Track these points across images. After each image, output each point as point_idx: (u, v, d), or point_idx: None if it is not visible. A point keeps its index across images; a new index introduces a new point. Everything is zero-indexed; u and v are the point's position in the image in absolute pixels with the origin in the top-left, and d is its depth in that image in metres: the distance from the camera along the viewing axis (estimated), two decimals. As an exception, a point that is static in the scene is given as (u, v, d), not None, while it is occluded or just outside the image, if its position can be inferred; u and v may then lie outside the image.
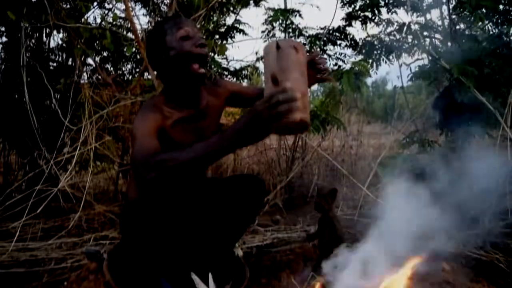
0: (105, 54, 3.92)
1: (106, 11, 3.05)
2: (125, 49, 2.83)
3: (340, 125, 3.40)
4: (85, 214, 3.28)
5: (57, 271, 2.20)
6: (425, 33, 3.30)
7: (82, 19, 3.02)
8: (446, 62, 3.11)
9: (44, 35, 3.72)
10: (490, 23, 3.88)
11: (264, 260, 2.04)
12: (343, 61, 4.29)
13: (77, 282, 1.65)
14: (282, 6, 4.10)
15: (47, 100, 3.13)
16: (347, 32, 4.25)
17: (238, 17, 4.11)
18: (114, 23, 3.45)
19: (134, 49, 3.17)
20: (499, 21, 3.80)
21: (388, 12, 3.78)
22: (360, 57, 4.00)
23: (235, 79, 4.34)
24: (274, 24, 4.22)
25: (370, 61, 4.12)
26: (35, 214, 2.85)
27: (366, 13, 3.93)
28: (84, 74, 3.78)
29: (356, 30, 4.29)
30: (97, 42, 3.45)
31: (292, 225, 2.94)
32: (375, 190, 3.86)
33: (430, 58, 3.53)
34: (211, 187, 1.70)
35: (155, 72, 1.74)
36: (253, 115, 1.09)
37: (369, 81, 4.34)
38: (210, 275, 1.49)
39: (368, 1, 3.45)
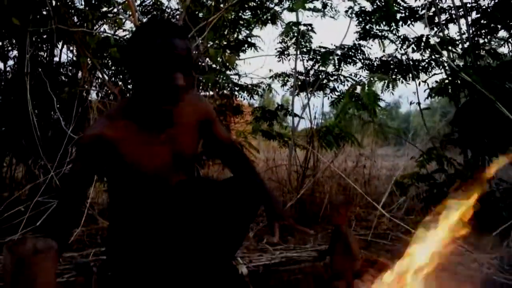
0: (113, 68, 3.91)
1: (112, 17, 2.98)
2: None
3: (354, 140, 3.27)
4: (88, 229, 3.18)
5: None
6: (444, 47, 3.17)
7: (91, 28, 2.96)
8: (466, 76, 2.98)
9: (55, 50, 3.72)
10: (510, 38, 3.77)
11: (271, 280, 1.88)
12: (358, 83, 4.20)
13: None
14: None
15: (51, 110, 3.05)
16: (363, 49, 4.18)
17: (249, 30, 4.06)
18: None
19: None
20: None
21: (403, 25, 3.68)
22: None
23: (247, 94, 4.27)
24: (288, 42, 4.18)
25: (386, 81, 4.04)
26: (34, 227, 2.72)
27: (382, 27, 3.84)
28: (93, 87, 3.77)
29: (370, 48, 4.15)
30: (105, 53, 3.41)
31: (302, 245, 2.77)
32: (389, 211, 3.70)
33: (448, 72, 3.42)
34: (198, 190, 1.55)
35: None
36: None
37: (382, 104, 4.23)
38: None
39: (383, 13, 3.34)
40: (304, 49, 4.13)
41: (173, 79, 1.35)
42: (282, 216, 1.54)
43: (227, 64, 3.51)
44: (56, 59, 3.79)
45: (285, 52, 4.27)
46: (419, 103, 3.65)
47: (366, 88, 2.94)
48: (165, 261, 1.43)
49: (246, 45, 3.91)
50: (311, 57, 4.16)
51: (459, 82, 3.22)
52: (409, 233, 2.93)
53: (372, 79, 3.19)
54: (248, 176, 1.64)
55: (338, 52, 4.01)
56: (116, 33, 3.59)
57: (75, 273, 1.59)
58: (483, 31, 3.70)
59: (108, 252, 1.59)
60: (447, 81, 3.30)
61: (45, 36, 3.56)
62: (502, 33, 3.66)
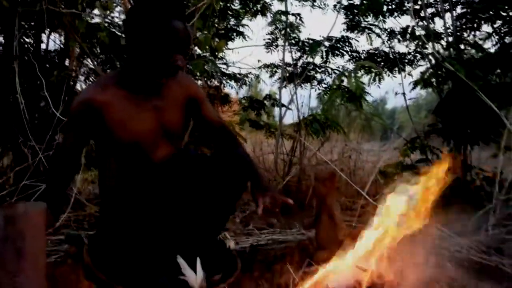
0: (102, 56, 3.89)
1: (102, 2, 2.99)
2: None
3: (340, 129, 3.33)
4: (75, 215, 3.19)
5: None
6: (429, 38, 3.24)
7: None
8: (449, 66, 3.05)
9: (42, 36, 3.69)
10: (494, 33, 3.85)
11: (258, 256, 1.92)
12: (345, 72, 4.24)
13: (54, 267, 1.54)
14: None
15: (39, 94, 3.05)
16: (350, 42, 4.22)
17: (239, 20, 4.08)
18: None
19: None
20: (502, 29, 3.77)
21: (389, 17, 3.74)
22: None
23: (235, 83, 4.30)
24: (277, 34, 4.22)
25: (374, 72, 4.08)
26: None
27: (370, 20, 3.90)
28: (81, 75, 3.76)
29: (358, 41, 4.21)
30: (94, 40, 3.40)
31: (288, 229, 2.82)
32: (374, 200, 3.76)
33: (432, 63, 3.49)
34: (190, 164, 1.59)
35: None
36: None
37: (369, 98, 4.32)
38: (198, 260, 1.38)
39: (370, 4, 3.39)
40: (293, 41, 4.17)
41: (175, 61, 1.45)
42: (266, 189, 1.58)
43: (216, 52, 3.53)
44: (43, 46, 3.78)
45: (274, 43, 4.31)
46: (404, 93, 3.72)
47: (353, 76, 2.99)
48: (154, 232, 1.46)
49: (234, 34, 3.93)
50: (299, 47, 4.20)
51: (443, 73, 3.30)
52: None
53: (359, 67, 3.23)
54: (236, 152, 1.69)
55: (326, 43, 4.05)
56: (106, 18, 3.58)
57: (67, 244, 1.62)
58: (468, 25, 3.78)
59: (100, 223, 1.62)
60: (431, 70, 3.37)
61: (33, 24, 3.55)
62: (486, 28, 3.73)
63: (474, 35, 3.85)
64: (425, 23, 3.80)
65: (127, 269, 1.44)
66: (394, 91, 3.94)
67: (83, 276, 1.46)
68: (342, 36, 4.15)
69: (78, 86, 3.61)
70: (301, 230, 2.74)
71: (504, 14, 3.48)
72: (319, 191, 1.67)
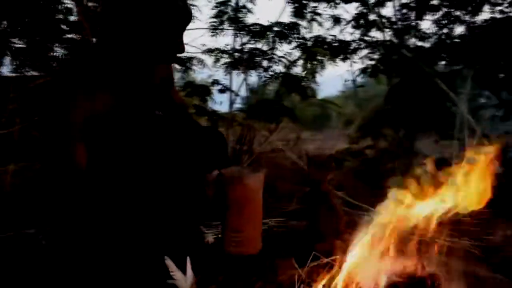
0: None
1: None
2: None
3: (293, 116, 3.26)
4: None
5: None
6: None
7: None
8: (399, 56, 3.09)
9: None
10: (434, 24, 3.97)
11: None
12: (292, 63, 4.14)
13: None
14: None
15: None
16: (299, 28, 4.14)
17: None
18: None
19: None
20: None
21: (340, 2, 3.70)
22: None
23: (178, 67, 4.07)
24: (224, 17, 4.04)
25: (315, 63, 4.06)
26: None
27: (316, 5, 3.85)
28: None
29: (306, 28, 4.15)
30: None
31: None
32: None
33: (382, 52, 3.53)
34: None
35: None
36: None
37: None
38: (187, 259, 1.22)
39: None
40: (239, 25, 4.02)
41: (181, 42, 1.40)
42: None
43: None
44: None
45: (219, 27, 4.12)
46: (354, 80, 3.75)
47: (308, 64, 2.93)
48: (137, 229, 1.28)
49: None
50: (246, 32, 4.05)
51: (390, 61, 3.34)
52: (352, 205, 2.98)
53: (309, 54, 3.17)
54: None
55: (275, 28, 3.95)
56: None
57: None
58: (410, 14, 3.86)
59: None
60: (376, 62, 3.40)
61: None
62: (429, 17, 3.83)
63: (417, 24, 3.95)
64: (375, 10, 3.83)
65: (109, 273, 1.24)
66: (342, 78, 3.96)
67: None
68: (291, 22, 4.05)
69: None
70: (272, 221, 2.63)
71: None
72: (314, 177, 1.54)
